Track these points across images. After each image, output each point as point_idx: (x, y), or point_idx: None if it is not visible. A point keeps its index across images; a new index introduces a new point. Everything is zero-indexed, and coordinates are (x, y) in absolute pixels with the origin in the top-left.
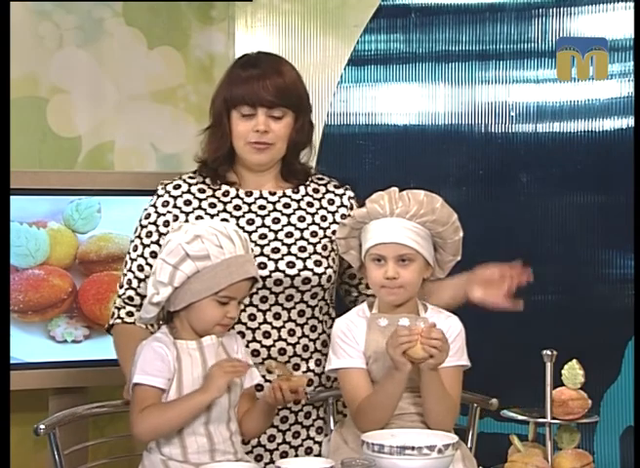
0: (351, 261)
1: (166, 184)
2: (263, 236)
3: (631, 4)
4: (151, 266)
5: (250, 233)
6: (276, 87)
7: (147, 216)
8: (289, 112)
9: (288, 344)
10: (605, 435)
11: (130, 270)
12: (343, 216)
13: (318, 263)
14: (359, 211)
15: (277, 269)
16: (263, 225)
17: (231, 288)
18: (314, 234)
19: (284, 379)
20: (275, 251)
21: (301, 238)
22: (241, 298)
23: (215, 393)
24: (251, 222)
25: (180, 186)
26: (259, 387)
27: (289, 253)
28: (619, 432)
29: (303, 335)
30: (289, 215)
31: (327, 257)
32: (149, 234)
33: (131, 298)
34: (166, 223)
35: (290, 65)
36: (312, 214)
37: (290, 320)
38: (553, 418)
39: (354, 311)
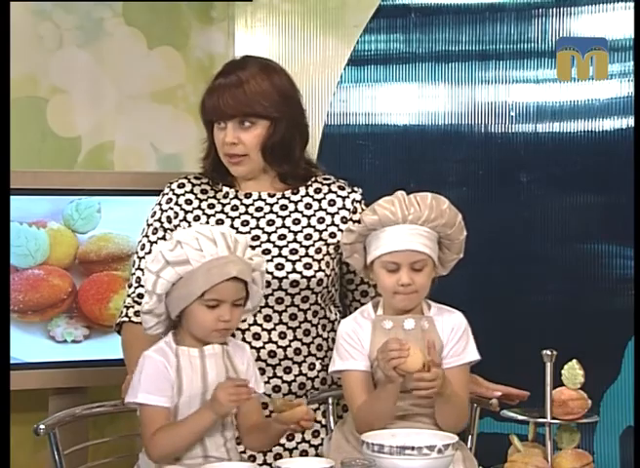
0: (355, 265)
1: (171, 183)
2: (256, 238)
3: (631, 4)
4: None
5: (244, 234)
6: (235, 99)
7: (153, 215)
8: (259, 121)
9: (278, 347)
10: (605, 435)
11: (138, 268)
12: (344, 219)
13: (308, 266)
14: (370, 218)
15: (266, 271)
16: (257, 227)
17: (215, 290)
18: (308, 237)
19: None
20: (266, 252)
21: (294, 240)
22: (234, 301)
23: (220, 414)
24: (245, 224)
25: (184, 185)
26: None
27: (279, 256)
28: (618, 432)
29: (295, 339)
30: (284, 218)
31: (319, 261)
32: (155, 231)
33: (140, 296)
34: (168, 219)
35: (265, 71)
36: (309, 217)
37: (281, 323)
38: (553, 418)
39: (359, 313)
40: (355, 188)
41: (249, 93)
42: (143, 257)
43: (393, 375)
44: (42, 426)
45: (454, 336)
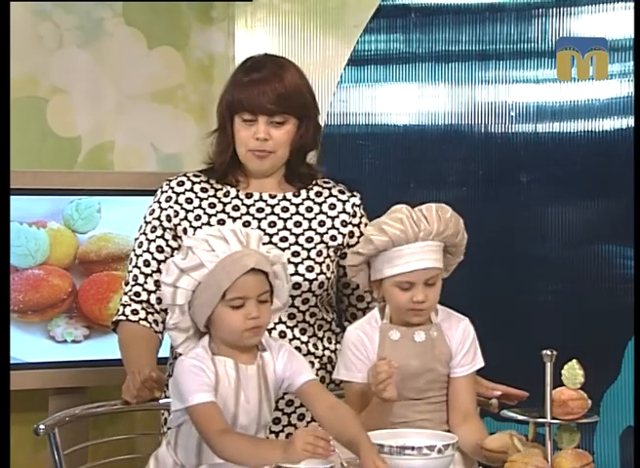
0: (360, 282)
1: (170, 180)
2: None
3: (631, 4)
4: (158, 261)
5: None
6: (276, 93)
7: (151, 212)
8: (291, 118)
9: None
10: (605, 435)
11: (135, 266)
12: (344, 223)
13: (310, 269)
14: (380, 239)
15: None
16: (259, 228)
17: (236, 287)
18: (309, 240)
19: None
20: None
21: (296, 243)
22: (259, 296)
23: (289, 459)
24: (247, 225)
25: (183, 183)
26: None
27: None
28: (618, 432)
29: (294, 338)
30: (285, 220)
31: (320, 264)
32: (154, 229)
33: (137, 294)
34: (168, 218)
35: (295, 69)
36: (310, 220)
37: (280, 322)
38: (553, 418)
39: (366, 321)
40: (354, 192)
41: (289, 88)
42: (141, 255)
43: (385, 397)
44: (42, 426)
45: (463, 347)
